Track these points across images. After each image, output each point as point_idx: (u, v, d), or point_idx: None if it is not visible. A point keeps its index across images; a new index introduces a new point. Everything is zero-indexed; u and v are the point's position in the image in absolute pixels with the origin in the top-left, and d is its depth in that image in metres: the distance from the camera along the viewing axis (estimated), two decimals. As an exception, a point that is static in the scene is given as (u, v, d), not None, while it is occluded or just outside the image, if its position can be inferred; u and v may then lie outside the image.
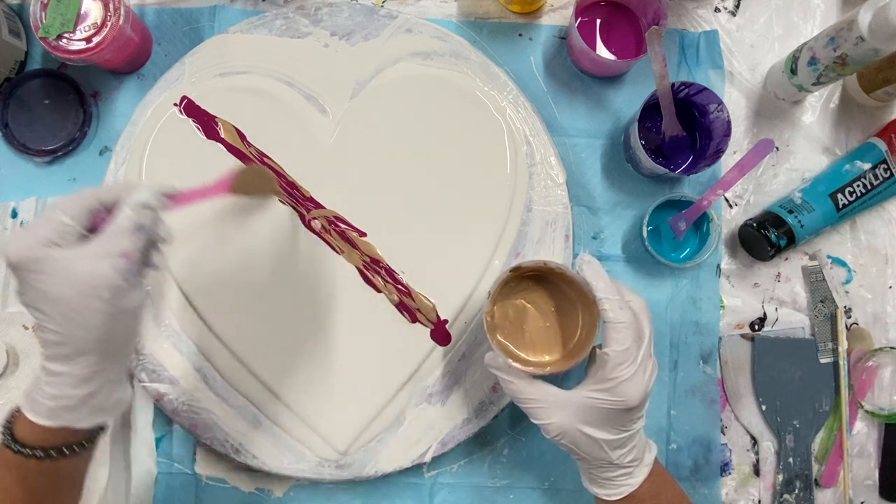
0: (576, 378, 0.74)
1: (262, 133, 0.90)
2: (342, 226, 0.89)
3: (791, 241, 0.89)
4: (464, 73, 0.92)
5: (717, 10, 0.97)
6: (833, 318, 0.93)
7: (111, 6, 0.84)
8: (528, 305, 0.79)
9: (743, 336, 0.94)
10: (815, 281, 0.94)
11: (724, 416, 0.93)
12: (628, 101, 0.96)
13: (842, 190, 0.91)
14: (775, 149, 0.96)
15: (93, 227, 0.63)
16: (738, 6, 0.97)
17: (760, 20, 0.97)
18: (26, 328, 0.90)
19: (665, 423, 0.92)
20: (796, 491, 0.92)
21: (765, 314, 0.94)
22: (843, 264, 0.95)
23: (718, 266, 0.94)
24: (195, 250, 0.88)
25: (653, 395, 0.82)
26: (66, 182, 0.93)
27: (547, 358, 0.78)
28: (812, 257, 0.95)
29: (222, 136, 0.90)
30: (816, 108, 0.97)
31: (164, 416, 0.90)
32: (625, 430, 0.70)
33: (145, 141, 0.89)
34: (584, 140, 0.95)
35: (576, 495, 0.91)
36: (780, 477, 0.92)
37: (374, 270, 0.88)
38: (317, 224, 0.89)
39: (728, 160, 0.95)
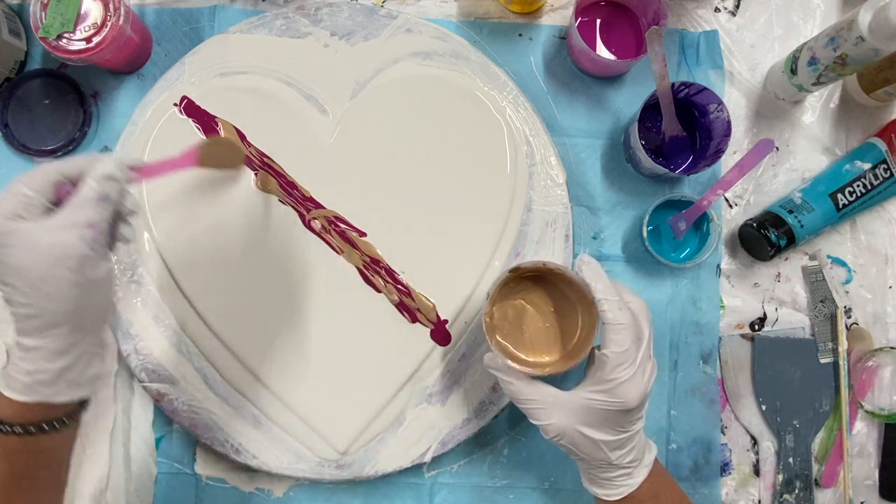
0: (575, 379, 0.74)
1: (262, 133, 0.90)
2: (342, 226, 0.89)
3: (791, 241, 0.89)
4: (464, 73, 0.92)
5: (717, 10, 0.97)
6: (833, 318, 0.93)
7: (111, 6, 0.84)
8: (528, 306, 0.79)
9: (743, 336, 0.94)
10: (815, 281, 0.94)
11: (724, 416, 0.93)
12: (628, 101, 0.96)
13: (842, 190, 0.91)
14: (775, 149, 0.96)
15: (58, 202, 0.63)
16: (738, 6, 0.97)
17: (760, 20, 0.97)
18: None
19: (665, 424, 0.92)
20: (796, 491, 0.92)
21: (765, 314, 0.94)
22: (843, 264, 0.95)
23: (718, 266, 0.94)
24: (195, 252, 0.88)
25: (653, 395, 0.82)
26: (66, 182, 0.93)
27: (546, 359, 0.78)
28: (812, 257, 0.95)
29: (222, 136, 0.90)
30: (816, 108, 0.97)
31: (164, 416, 0.90)
32: (624, 431, 0.70)
33: (145, 141, 0.89)
34: (584, 140, 0.95)
35: (576, 495, 0.91)
36: (780, 477, 0.92)
37: (374, 270, 0.89)
38: (317, 224, 0.89)
39: (728, 160, 0.95)
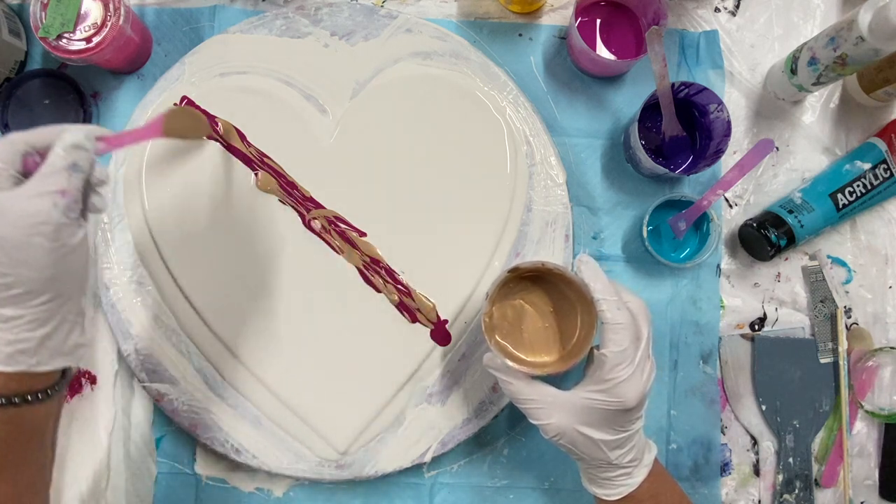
0: (574, 379, 0.74)
1: (262, 133, 0.90)
2: (342, 226, 0.89)
3: (791, 241, 0.89)
4: (464, 73, 0.92)
5: (717, 10, 0.97)
6: (833, 318, 0.93)
7: (111, 6, 0.84)
8: (527, 306, 0.79)
9: (743, 336, 0.94)
10: (815, 281, 0.94)
11: (724, 416, 0.93)
12: (628, 101, 0.96)
13: (842, 190, 0.91)
14: (775, 149, 0.96)
15: (26, 173, 0.64)
16: (738, 6, 0.97)
17: (760, 20, 0.97)
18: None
19: (665, 423, 0.92)
20: (796, 491, 0.92)
21: (765, 314, 0.94)
22: (843, 264, 0.95)
23: (718, 266, 0.94)
24: (195, 251, 0.88)
25: (653, 395, 0.83)
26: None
27: (545, 358, 0.78)
28: (812, 257, 0.95)
29: (222, 136, 0.90)
30: (816, 108, 0.97)
31: (164, 416, 0.90)
32: (623, 431, 0.70)
33: (146, 142, 0.89)
34: (584, 140, 0.95)
35: (576, 495, 0.91)
36: (780, 477, 0.92)
37: (374, 270, 0.89)
38: (317, 224, 0.89)
39: (728, 160, 0.95)
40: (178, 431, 0.90)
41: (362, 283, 0.89)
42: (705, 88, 0.86)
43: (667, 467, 0.88)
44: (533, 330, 0.79)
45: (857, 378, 0.92)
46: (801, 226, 0.89)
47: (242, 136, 0.90)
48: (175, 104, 0.90)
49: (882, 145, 0.91)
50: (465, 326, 0.89)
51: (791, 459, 0.92)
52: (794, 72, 0.89)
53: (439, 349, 0.88)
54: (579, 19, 0.92)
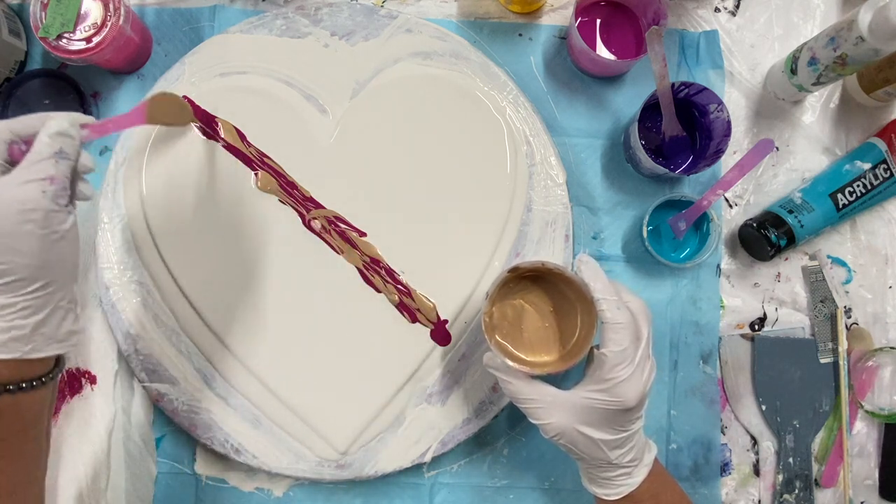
0: (574, 378, 0.74)
1: (262, 133, 0.90)
2: (342, 226, 0.89)
3: (791, 241, 0.89)
4: (464, 73, 0.92)
5: (717, 10, 0.97)
6: (833, 318, 0.93)
7: (111, 6, 0.84)
8: (527, 306, 0.79)
9: (743, 336, 0.94)
10: (815, 281, 0.94)
11: (724, 416, 0.93)
12: (628, 101, 0.96)
13: (842, 190, 0.91)
14: (775, 149, 0.96)
15: (13, 162, 0.64)
16: (738, 6, 0.97)
17: (760, 20, 0.97)
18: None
19: (665, 423, 0.92)
20: (796, 491, 0.92)
21: (765, 314, 0.94)
22: (843, 264, 0.95)
23: (718, 266, 0.94)
24: (195, 251, 0.88)
25: (653, 395, 0.83)
26: (66, 182, 0.93)
27: (545, 358, 0.78)
28: (812, 257, 0.95)
29: (222, 136, 0.90)
30: (816, 108, 0.97)
31: (164, 416, 0.90)
32: (623, 431, 0.70)
33: (145, 141, 0.89)
34: (584, 140, 0.95)
35: (576, 495, 0.91)
36: (780, 477, 0.92)
37: (374, 270, 0.89)
38: (317, 224, 0.89)
39: (728, 160, 0.95)
40: (178, 431, 0.90)
41: (362, 283, 0.89)
42: (705, 88, 0.86)
43: (667, 467, 0.88)
44: (533, 329, 0.79)
45: (857, 378, 0.92)
46: (801, 226, 0.89)
47: (242, 136, 0.90)
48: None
49: (882, 145, 0.91)
50: (465, 326, 0.89)
51: (791, 459, 0.92)
52: (794, 72, 0.90)
53: (439, 349, 0.88)
54: (579, 19, 0.92)
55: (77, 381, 0.89)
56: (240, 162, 0.90)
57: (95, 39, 0.84)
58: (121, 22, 0.84)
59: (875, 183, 0.91)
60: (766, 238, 0.89)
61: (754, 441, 0.93)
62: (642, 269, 0.94)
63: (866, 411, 0.92)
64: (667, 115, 0.89)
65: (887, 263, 0.95)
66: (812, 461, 0.92)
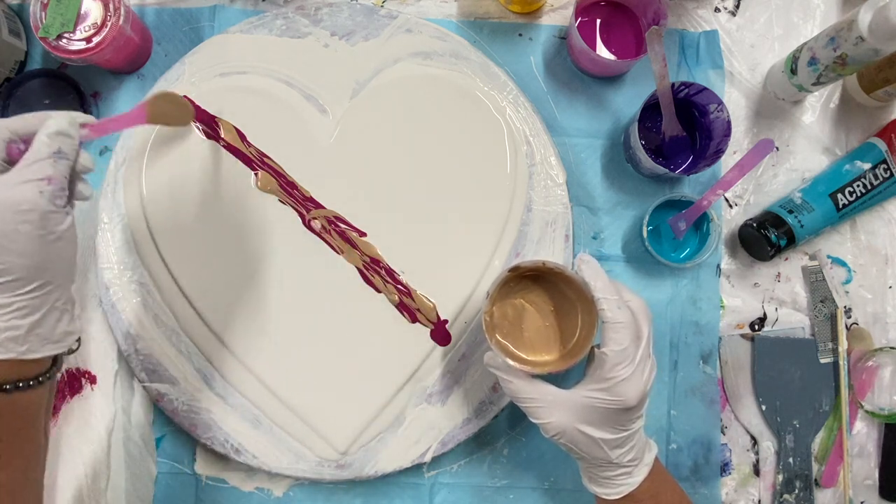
0: (575, 377, 0.74)
1: (262, 133, 0.90)
2: (342, 226, 0.89)
3: (791, 241, 0.89)
4: (464, 73, 0.92)
5: (717, 10, 0.97)
6: (833, 318, 0.93)
7: (111, 6, 0.84)
8: (527, 305, 0.79)
9: (743, 336, 0.94)
10: (815, 281, 0.94)
11: (724, 416, 0.93)
12: (628, 101, 0.96)
13: (842, 190, 0.91)
14: (775, 149, 0.96)
15: (11, 161, 0.64)
16: (738, 6, 0.97)
17: (760, 20, 0.97)
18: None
19: (665, 423, 0.92)
20: (796, 491, 0.92)
21: (765, 314, 0.94)
22: (843, 264, 0.95)
23: (718, 266, 0.94)
24: (196, 251, 0.88)
25: (653, 395, 0.83)
26: (66, 182, 0.93)
27: (546, 357, 0.78)
28: (812, 257, 0.95)
29: (222, 136, 0.90)
30: (816, 108, 0.97)
31: (164, 416, 0.90)
32: (624, 430, 0.70)
33: (145, 141, 0.89)
34: (584, 140, 0.95)
35: (576, 495, 0.91)
36: (780, 477, 0.92)
37: (374, 270, 0.88)
38: (317, 224, 0.89)
39: (728, 160, 0.95)
40: (178, 431, 0.90)
41: (362, 283, 0.88)
42: (705, 88, 0.86)
43: (667, 467, 0.88)
44: (533, 329, 0.79)
45: (857, 378, 0.92)
46: (801, 226, 0.89)
47: (242, 136, 0.90)
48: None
49: (882, 145, 0.91)
50: (466, 326, 0.89)
51: (791, 459, 0.92)
52: (794, 72, 0.90)
53: (439, 349, 0.88)
54: (579, 19, 0.92)
55: (77, 381, 0.89)
56: (240, 162, 0.89)
57: (95, 39, 0.84)
58: (121, 22, 0.84)
59: (875, 183, 0.91)
60: (766, 238, 0.89)
61: (754, 441, 0.93)
62: (642, 269, 0.94)
63: (866, 411, 0.92)
64: (667, 115, 0.89)
65: (887, 263, 0.95)
66: (812, 461, 0.92)
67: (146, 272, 0.88)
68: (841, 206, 0.90)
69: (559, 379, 0.79)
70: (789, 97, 0.95)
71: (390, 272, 0.89)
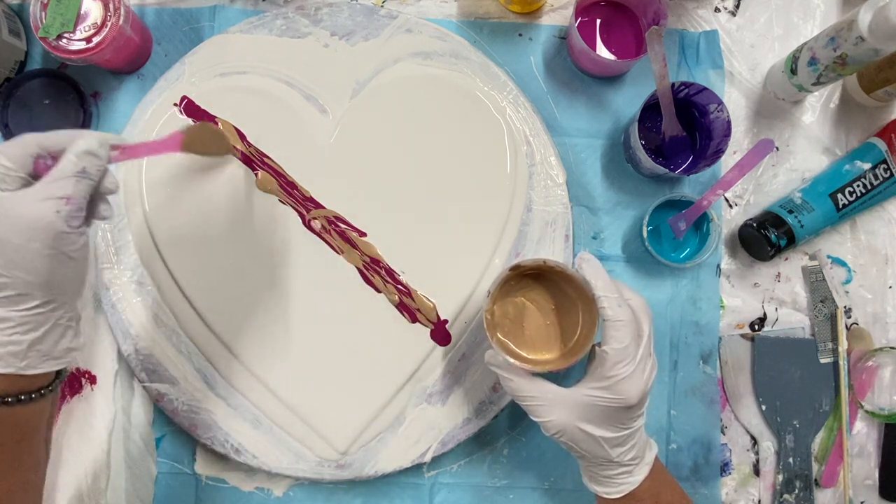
0: (576, 376, 0.74)
1: (262, 133, 0.90)
2: (342, 226, 0.89)
3: (791, 241, 0.89)
4: (464, 73, 0.92)
5: (717, 10, 0.97)
6: (833, 318, 0.93)
7: (111, 6, 0.84)
8: (528, 304, 0.79)
9: (743, 336, 0.94)
10: (815, 281, 0.94)
11: (724, 416, 0.93)
12: (628, 101, 0.96)
13: (842, 190, 0.91)
14: (775, 149, 0.96)
15: (36, 175, 0.64)
16: (738, 6, 0.97)
17: (760, 20, 0.97)
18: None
19: (665, 423, 0.92)
20: (796, 491, 0.92)
21: (765, 314, 0.94)
22: (843, 264, 0.95)
23: (718, 266, 0.94)
24: (195, 251, 0.88)
25: (653, 395, 0.83)
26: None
27: (546, 356, 0.78)
28: (812, 257, 0.95)
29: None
30: (816, 108, 0.97)
31: (164, 416, 0.90)
32: (624, 428, 0.70)
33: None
34: (584, 140, 0.95)
35: (576, 495, 0.91)
36: (780, 477, 0.92)
37: (374, 270, 0.88)
38: (317, 224, 0.89)
39: (728, 160, 0.95)
40: (178, 431, 0.90)
41: (362, 283, 0.88)
42: (705, 88, 0.86)
43: (667, 467, 0.88)
44: (534, 327, 0.79)
45: (857, 378, 0.92)
46: (801, 226, 0.89)
47: (242, 136, 0.90)
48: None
49: (882, 145, 0.92)
50: (466, 326, 0.89)
51: (791, 459, 0.92)
52: (794, 72, 0.90)
53: (439, 349, 0.88)
54: (579, 19, 0.92)
55: (77, 381, 0.89)
56: (239, 162, 0.89)
57: (95, 39, 0.84)
58: (121, 22, 0.84)
59: (875, 183, 0.91)
60: (766, 238, 0.89)
61: (754, 441, 0.93)
62: (642, 269, 0.94)
63: (866, 411, 0.92)
64: (667, 115, 0.89)
65: (887, 263, 0.96)
66: (812, 461, 0.92)
67: (146, 272, 0.88)
68: (841, 206, 0.90)
69: (560, 377, 0.79)
70: (789, 97, 0.95)
71: (390, 272, 0.89)
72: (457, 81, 0.91)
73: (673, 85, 0.86)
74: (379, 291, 0.88)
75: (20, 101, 0.91)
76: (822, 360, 0.93)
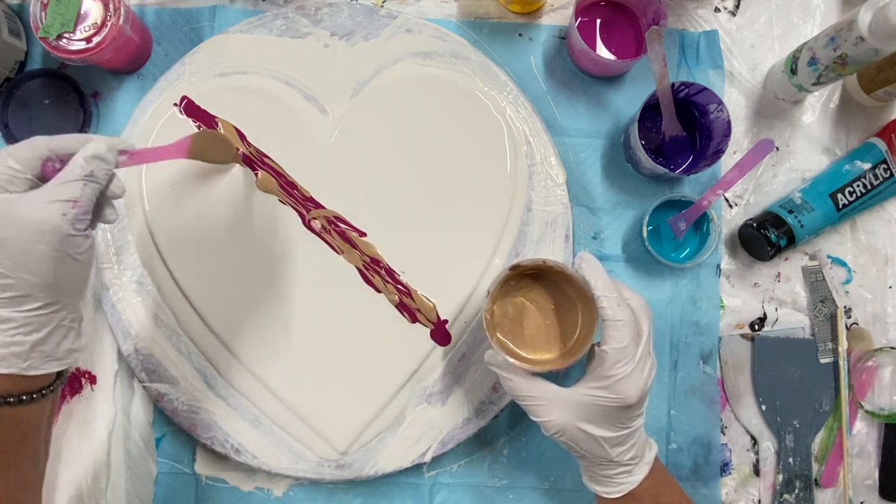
0: (575, 376, 0.74)
1: (262, 133, 0.90)
2: (342, 226, 0.89)
3: (791, 241, 0.89)
4: (464, 73, 0.92)
5: (717, 10, 0.97)
6: (833, 318, 0.93)
7: (111, 6, 0.84)
8: (528, 303, 0.79)
9: (743, 336, 0.94)
10: (815, 281, 0.94)
11: (724, 416, 0.93)
12: (628, 101, 0.96)
13: (842, 190, 0.91)
14: (775, 149, 0.96)
15: (44, 178, 0.64)
16: (738, 6, 0.97)
17: (760, 20, 0.97)
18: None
19: (665, 423, 0.92)
20: (796, 491, 0.92)
21: (765, 314, 0.94)
22: (843, 264, 0.95)
23: (718, 266, 0.94)
24: (195, 251, 0.88)
25: (653, 395, 0.83)
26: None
27: (546, 356, 0.78)
28: (812, 257, 0.95)
29: (216, 130, 0.90)
30: (816, 108, 0.97)
31: (164, 416, 0.90)
32: (624, 428, 0.70)
33: (145, 141, 0.89)
34: (584, 140, 0.95)
35: (576, 495, 0.91)
36: (780, 477, 0.92)
37: (374, 270, 0.88)
38: (317, 224, 0.89)
39: (728, 160, 0.95)
40: (178, 431, 0.90)
41: (362, 283, 0.88)
42: (705, 88, 0.86)
43: (667, 467, 0.88)
44: (534, 327, 0.79)
45: (857, 378, 0.92)
46: (801, 226, 0.89)
47: (242, 136, 0.90)
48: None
49: (882, 145, 0.91)
50: (466, 326, 0.89)
51: (791, 459, 0.92)
52: (794, 72, 0.90)
53: (439, 349, 0.88)
54: (579, 19, 0.92)
55: (77, 381, 0.89)
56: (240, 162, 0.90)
57: (95, 39, 0.84)
58: (121, 22, 0.84)
59: (875, 183, 0.91)
60: (766, 238, 0.89)
61: (754, 441, 0.93)
62: (642, 269, 0.94)
63: (866, 411, 0.92)
64: (667, 115, 0.89)
65: (887, 263, 0.95)
66: (812, 461, 0.92)
67: (146, 272, 0.88)
68: (841, 206, 0.90)
69: (559, 377, 0.79)
70: (789, 97, 0.95)
71: (390, 272, 0.89)
72: (457, 81, 0.91)
73: (673, 85, 0.86)
74: (379, 291, 0.88)
75: (20, 101, 0.91)
76: (822, 360, 0.93)
